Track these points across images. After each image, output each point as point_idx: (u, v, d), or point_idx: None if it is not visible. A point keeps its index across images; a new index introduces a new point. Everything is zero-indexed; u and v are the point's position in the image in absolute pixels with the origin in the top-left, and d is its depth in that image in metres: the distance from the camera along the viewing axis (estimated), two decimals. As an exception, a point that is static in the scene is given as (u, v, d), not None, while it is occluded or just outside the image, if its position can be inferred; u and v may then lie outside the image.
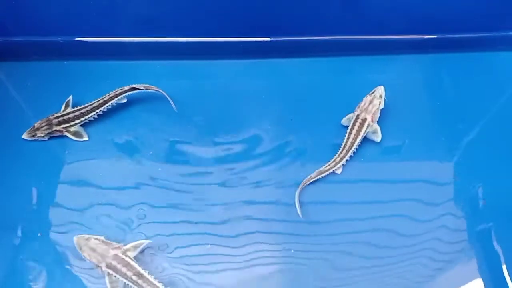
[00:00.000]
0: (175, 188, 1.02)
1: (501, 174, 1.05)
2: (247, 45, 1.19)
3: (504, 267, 0.95)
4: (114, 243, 0.92)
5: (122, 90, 1.09)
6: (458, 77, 1.19)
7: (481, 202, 1.01)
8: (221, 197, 1.01)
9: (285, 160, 1.06)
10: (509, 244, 0.97)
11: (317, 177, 1.02)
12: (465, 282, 0.94)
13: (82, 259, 0.92)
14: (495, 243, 0.97)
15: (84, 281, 0.92)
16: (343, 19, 1.16)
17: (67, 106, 1.09)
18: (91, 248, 0.90)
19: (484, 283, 0.93)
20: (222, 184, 1.03)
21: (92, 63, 1.18)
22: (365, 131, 1.05)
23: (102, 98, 1.08)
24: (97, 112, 1.08)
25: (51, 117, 1.07)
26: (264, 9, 1.12)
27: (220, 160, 1.06)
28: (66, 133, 1.07)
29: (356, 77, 1.18)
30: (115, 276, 0.89)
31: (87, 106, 1.08)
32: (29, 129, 1.06)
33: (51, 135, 1.07)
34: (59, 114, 1.07)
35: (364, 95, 1.10)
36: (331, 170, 1.03)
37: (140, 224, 0.98)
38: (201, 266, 0.94)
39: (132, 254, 0.91)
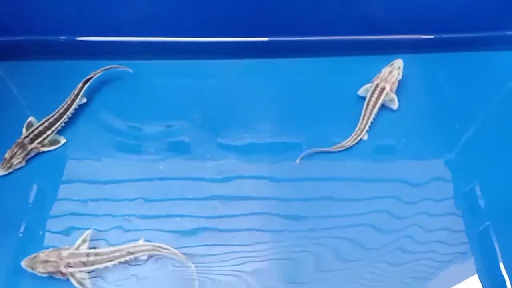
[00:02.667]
0: (176, 186, 1.03)
1: (499, 173, 1.06)
2: (246, 45, 1.20)
3: (502, 266, 0.95)
4: (62, 247, 0.91)
5: (78, 89, 1.09)
6: (456, 77, 1.20)
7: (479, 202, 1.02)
8: (222, 195, 1.02)
9: (284, 159, 1.07)
10: (507, 242, 0.97)
11: (347, 146, 1.07)
12: (464, 281, 0.94)
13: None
14: (493, 242, 0.97)
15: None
16: (341, 19, 1.16)
17: (29, 126, 1.06)
18: (42, 261, 0.88)
19: (482, 282, 0.93)
20: (222, 182, 1.03)
21: (93, 63, 1.18)
22: (383, 99, 1.10)
23: (65, 103, 1.08)
24: (64, 119, 1.07)
25: (21, 140, 1.03)
26: (263, 9, 1.13)
27: (220, 159, 1.06)
28: (42, 148, 1.05)
29: (355, 76, 1.18)
30: (79, 272, 0.89)
31: (54, 115, 1.06)
32: (1, 162, 1.01)
33: (28, 157, 1.04)
34: (28, 133, 1.04)
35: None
36: (359, 138, 1.08)
37: (141, 221, 0.99)
38: (202, 261, 0.95)
39: (84, 247, 0.91)
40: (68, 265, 0.89)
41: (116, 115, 1.12)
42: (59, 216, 0.99)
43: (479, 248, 0.97)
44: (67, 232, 0.96)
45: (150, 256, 0.93)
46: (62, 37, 1.20)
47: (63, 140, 1.07)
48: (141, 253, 0.92)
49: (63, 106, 1.08)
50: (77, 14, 1.14)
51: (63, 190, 1.02)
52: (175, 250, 0.92)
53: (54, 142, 1.06)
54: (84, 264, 0.89)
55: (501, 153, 1.08)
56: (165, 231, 0.98)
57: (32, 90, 1.15)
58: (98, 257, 0.90)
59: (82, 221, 0.98)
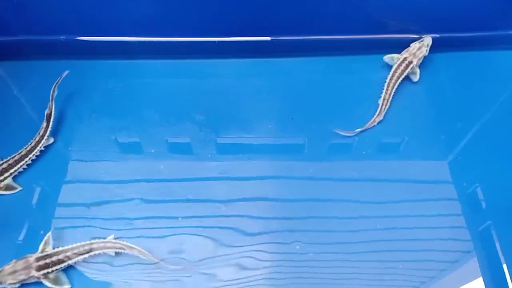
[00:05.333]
0: (177, 186, 1.03)
1: (501, 172, 1.05)
2: (248, 44, 1.19)
3: (504, 266, 0.95)
4: (27, 255, 0.91)
5: (42, 129, 1.04)
6: (457, 76, 1.20)
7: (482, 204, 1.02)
8: (223, 194, 1.02)
9: (285, 159, 1.07)
10: (509, 242, 0.97)
11: (380, 113, 1.11)
12: (465, 281, 0.94)
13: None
14: (495, 242, 0.97)
15: (88, 278, 0.93)
16: (343, 19, 1.16)
17: None
18: (10, 273, 0.88)
19: (484, 282, 0.94)
20: (224, 182, 1.04)
21: (95, 62, 1.19)
22: (408, 72, 1.15)
23: (30, 144, 1.03)
24: (27, 162, 1.02)
25: None
26: (265, 8, 1.13)
27: (221, 158, 1.07)
28: None
29: (356, 76, 1.19)
30: (50, 272, 0.90)
31: (14, 156, 1.01)
32: None
33: None
34: None
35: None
36: (385, 107, 1.12)
37: (142, 221, 0.99)
38: (204, 261, 0.95)
39: (49, 248, 0.92)
40: (39, 268, 0.89)
41: (117, 115, 1.12)
42: (60, 216, 0.99)
43: (481, 247, 0.97)
44: (68, 232, 0.96)
45: (117, 253, 0.94)
46: (63, 37, 1.19)
47: (18, 188, 1.01)
48: (110, 250, 0.93)
49: (26, 148, 1.03)
50: (77, 14, 1.14)
51: (64, 191, 1.02)
52: (142, 250, 0.93)
53: (9, 187, 1.01)
54: (55, 263, 0.90)
55: (503, 153, 1.08)
56: (166, 232, 0.98)
57: (33, 90, 1.15)
58: (68, 253, 0.91)
59: (83, 222, 0.98)
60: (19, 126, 1.08)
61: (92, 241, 0.93)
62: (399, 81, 1.15)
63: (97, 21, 1.16)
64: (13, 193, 1.01)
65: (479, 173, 1.05)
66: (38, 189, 1.02)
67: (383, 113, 1.12)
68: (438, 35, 1.21)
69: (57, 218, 0.99)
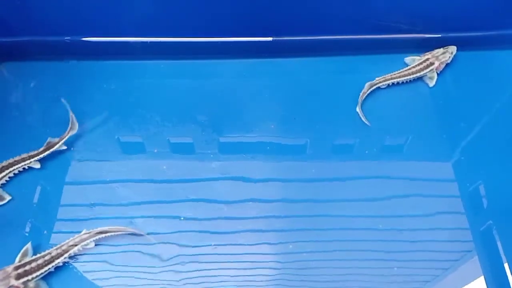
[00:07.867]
0: (179, 186, 1.03)
1: (503, 172, 1.05)
2: (250, 44, 1.20)
3: (506, 265, 0.95)
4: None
5: (38, 152, 1.03)
6: (460, 76, 1.20)
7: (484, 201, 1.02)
8: (225, 194, 1.02)
9: (287, 158, 1.07)
10: (510, 241, 0.97)
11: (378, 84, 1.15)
12: (467, 280, 0.94)
13: (89, 254, 0.94)
14: (496, 241, 0.97)
15: (91, 278, 0.93)
16: (345, 19, 1.16)
17: None
18: None
19: (485, 281, 0.94)
20: (226, 182, 1.04)
21: (98, 63, 1.19)
22: (425, 72, 1.17)
23: (19, 156, 1.02)
24: (12, 172, 1.01)
25: None
26: (267, 9, 1.13)
27: (223, 159, 1.07)
28: None
29: (358, 76, 1.18)
30: (30, 280, 0.89)
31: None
32: None
33: None
34: None
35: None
36: (387, 82, 1.15)
37: (144, 221, 0.99)
38: (205, 264, 0.95)
39: (27, 259, 0.91)
40: (18, 277, 0.89)
41: (119, 116, 1.13)
42: (63, 216, 0.99)
43: (483, 246, 0.97)
44: (70, 232, 0.96)
45: (97, 243, 0.95)
46: (66, 38, 1.20)
47: (7, 197, 1.00)
48: (86, 242, 0.93)
49: (14, 158, 1.02)
50: (80, 15, 1.15)
51: (67, 191, 1.02)
52: (121, 227, 0.94)
53: None
54: (35, 269, 0.90)
55: (505, 153, 1.08)
56: (168, 232, 0.98)
57: (36, 90, 1.16)
58: (47, 258, 0.91)
59: (86, 222, 0.98)
60: (22, 126, 1.09)
61: (67, 240, 0.93)
62: (414, 76, 1.15)
63: (100, 22, 1.16)
64: (16, 193, 1.01)
65: (481, 172, 1.05)
66: (40, 189, 1.03)
67: (374, 87, 1.14)
68: (440, 35, 1.21)
69: (59, 217, 0.99)
